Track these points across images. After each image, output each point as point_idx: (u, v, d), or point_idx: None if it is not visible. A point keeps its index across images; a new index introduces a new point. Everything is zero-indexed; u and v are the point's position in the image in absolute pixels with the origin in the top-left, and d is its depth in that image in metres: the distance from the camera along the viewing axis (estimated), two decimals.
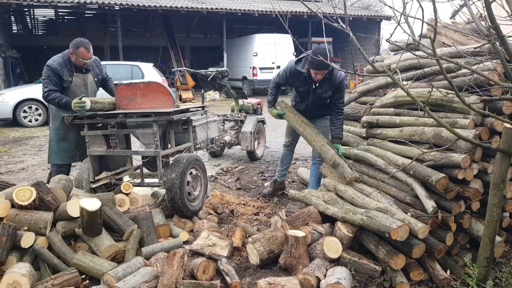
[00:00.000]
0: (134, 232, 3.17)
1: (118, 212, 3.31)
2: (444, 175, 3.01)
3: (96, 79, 4.23)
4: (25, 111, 10.66)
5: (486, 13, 2.37)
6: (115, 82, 4.15)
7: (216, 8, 17.14)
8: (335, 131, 4.11)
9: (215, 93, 17.16)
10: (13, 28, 20.77)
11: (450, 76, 2.94)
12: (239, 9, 17.53)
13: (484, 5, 2.35)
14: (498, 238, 3.00)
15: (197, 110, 4.19)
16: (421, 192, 3.09)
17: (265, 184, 5.16)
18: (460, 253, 3.16)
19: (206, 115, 4.60)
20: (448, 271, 2.97)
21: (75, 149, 4.09)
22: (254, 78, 17.57)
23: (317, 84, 3.99)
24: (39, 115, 10.78)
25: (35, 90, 10.86)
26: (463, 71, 3.43)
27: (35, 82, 12.68)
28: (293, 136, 4.62)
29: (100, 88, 4.41)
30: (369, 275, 2.84)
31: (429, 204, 2.97)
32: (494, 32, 2.46)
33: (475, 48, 3.36)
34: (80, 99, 3.66)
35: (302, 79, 4.02)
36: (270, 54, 17.59)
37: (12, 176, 5.80)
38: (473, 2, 2.79)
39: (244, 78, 18.23)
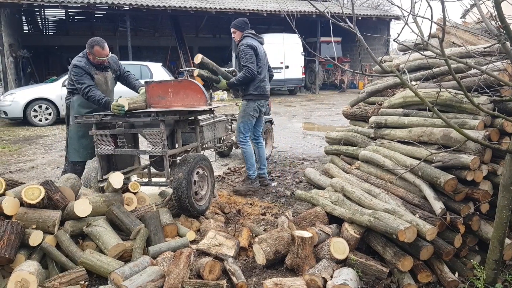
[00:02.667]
0: (141, 231, 3.18)
1: (125, 211, 3.33)
2: (453, 176, 2.98)
3: (114, 76, 4.34)
4: (35, 110, 10.77)
5: (496, 13, 2.34)
6: (145, 80, 4.16)
7: (225, 8, 17.15)
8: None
9: (223, 92, 17.18)
10: (24, 28, 21.00)
11: (459, 77, 2.91)
12: (248, 9, 17.52)
13: (494, 4, 2.32)
14: (507, 241, 2.97)
15: (215, 108, 4.18)
16: (429, 193, 3.07)
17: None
18: (468, 255, 3.13)
19: (214, 115, 4.61)
20: (456, 273, 2.95)
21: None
22: None
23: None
24: (49, 114, 10.88)
25: (45, 90, 10.97)
26: (473, 71, 3.40)
27: (46, 81, 12.81)
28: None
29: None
30: (376, 277, 2.83)
31: (438, 206, 2.94)
32: (504, 32, 2.43)
33: (484, 48, 3.32)
34: (117, 101, 3.71)
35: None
36: (278, 54, 17.55)
37: (22, 175, 5.87)
38: (483, 2, 2.75)
39: None
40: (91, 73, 4.06)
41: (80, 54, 4.14)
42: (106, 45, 4.09)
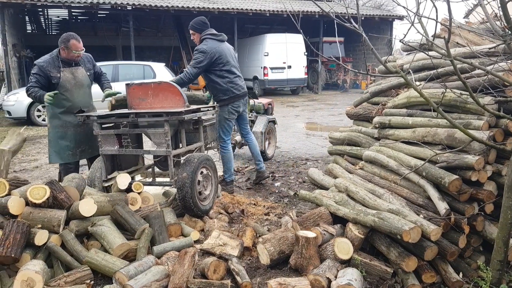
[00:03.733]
0: (145, 230, 3.19)
1: (130, 211, 3.34)
2: (457, 176, 2.98)
3: (88, 73, 4.30)
4: (39, 110, 10.81)
5: (501, 13, 2.34)
6: (126, 82, 4.19)
7: (228, 8, 17.17)
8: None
9: None
10: (27, 28, 21.09)
11: (464, 77, 2.90)
12: (251, 9, 17.54)
13: (499, 4, 2.32)
14: None
15: (208, 110, 4.21)
16: (433, 193, 3.06)
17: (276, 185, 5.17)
18: (473, 255, 3.12)
19: (217, 115, 4.61)
20: (461, 274, 2.94)
21: (75, 146, 4.16)
22: (265, 78, 17.57)
23: None
24: None
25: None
26: (477, 71, 3.39)
27: None
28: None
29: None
30: (380, 277, 2.83)
31: (442, 206, 2.94)
32: (509, 32, 2.43)
33: (489, 48, 3.32)
34: (52, 96, 3.85)
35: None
36: (281, 54, 17.56)
37: (26, 174, 5.89)
38: (488, 2, 2.75)
39: (255, 78, 18.23)
40: (51, 73, 4.01)
41: (48, 53, 4.13)
42: (81, 40, 4.13)
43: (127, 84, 4.08)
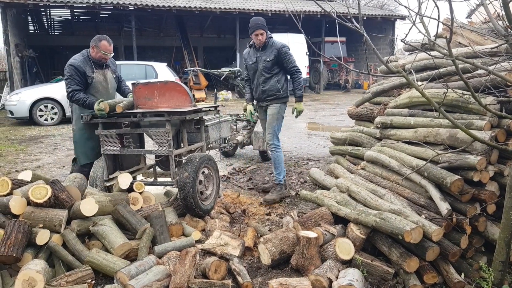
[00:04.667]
0: (147, 230, 3.19)
1: (131, 210, 3.35)
2: (459, 177, 2.97)
3: (114, 76, 4.37)
4: (41, 110, 10.83)
5: (503, 13, 2.33)
6: (133, 82, 4.19)
7: (230, 8, 17.17)
8: (294, 91, 4.57)
9: (228, 93, 17.20)
10: (30, 28, 21.14)
11: (466, 77, 2.90)
12: (253, 9, 17.53)
13: (501, 4, 2.31)
14: None
15: (209, 110, 4.21)
16: (435, 194, 3.06)
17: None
18: (475, 256, 3.12)
19: (219, 115, 4.62)
20: (463, 275, 2.93)
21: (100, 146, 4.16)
22: None
23: (261, 49, 4.49)
24: (55, 114, 10.94)
25: (51, 89, 11.04)
26: (479, 71, 3.38)
27: (51, 81, 12.88)
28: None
29: None
30: (381, 277, 2.82)
31: (444, 206, 2.93)
32: (511, 32, 2.42)
33: (491, 48, 3.31)
34: (99, 104, 3.74)
35: (251, 53, 4.63)
36: None
37: None
38: (490, 2, 2.75)
39: None
40: (86, 72, 4.05)
41: (79, 53, 4.16)
42: (112, 43, 4.17)
43: (133, 84, 4.07)
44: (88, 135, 4.11)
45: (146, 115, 3.72)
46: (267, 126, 4.66)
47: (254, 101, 4.86)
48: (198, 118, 3.99)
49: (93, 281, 2.77)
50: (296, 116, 4.65)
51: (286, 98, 4.65)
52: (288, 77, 4.66)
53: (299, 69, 4.58)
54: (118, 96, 4.47)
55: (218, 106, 4.42)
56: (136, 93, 4.00)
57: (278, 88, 4.57)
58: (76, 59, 4.07)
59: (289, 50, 4.53)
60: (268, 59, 4.46)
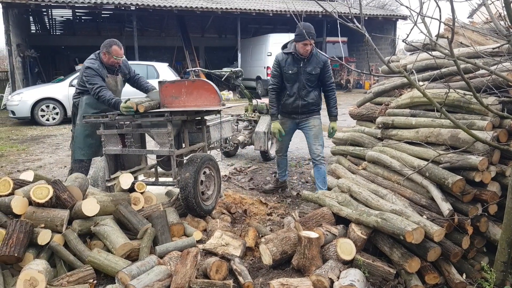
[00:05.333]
0: (148, 230, 3.19)
1: (132, 210, 3.35)
2: (461, 177, 2.97)
3: (123, 79, 4.41)
4: (42, 110, 10.85)
5: (505, 13, 2.32)
6: (159, 80, 4.16)
7: (231, 8, 17.18)
8: (330, 110, 4.41)
9: (229, 93, 17.20)
10: (32, 28, 21.17)
11: (467, 77, 2.89)
12: (254, 9, 17.54)
13: (503, 4, 2.30)
14: None
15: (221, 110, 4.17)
16: (437, 194, 3.05)
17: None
18: (476, 257, 3.11)
19: (220, 115, 4.61)
20: (464, 275, 2.93)
21: (100, 145, 4.18)
22: (268, 78, 17.52)
23: (305, 60, 4.15)
24: (57, 114, 10.96)
25: (52, 89, 11.05)
26: (481, 71, 3.38)
27: (53, 81, 12.89)
28: (283, 144, 4.79)
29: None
30: (383, 278, 2.82)
31: (445, 207, 2.93)
32: None
33: (493, 48, 3.30)
34: (126, 102, 3.72)
35: (290, 61, 4.18)
36: None
37: None
38: (492, 2, 2.74)
39: (258, 78, 18.22)
40: (103, 76, 4.13)
41: (92, 56, 4.19)
42: (122, 47, 4.21)
43: (159, 82, 4.02)
44: (89, 132, 4.15)
45: (176, 114, 3.67)
46: (315, 139, 4.43)
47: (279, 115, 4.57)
48: (199, 118, 3.99)
49: (95, 281, 2.77)
50: (331, 136, 4.46)
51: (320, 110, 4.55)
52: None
53: (335, 86, 4.41)
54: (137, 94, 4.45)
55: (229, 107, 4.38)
56: (163, 91, 3.93)
57: (319, 102, 4.47)
58: (93, 63, 4.10)
59: None
60: (313, 72, 4.21)
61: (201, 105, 3.81)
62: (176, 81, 4.03)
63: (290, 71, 4.24)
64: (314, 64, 4.21)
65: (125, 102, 3.71)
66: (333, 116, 4.37)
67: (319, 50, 3.89)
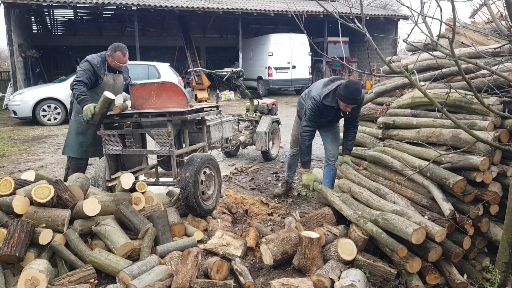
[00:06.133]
0: (149, 230, 3.20)
1: (133, 210, 3.35)
2: (462, 177, 2.96)
3: (124, 83, 4.49)
4: (44, 110, 10.86)
5: (506, 13, 2.32)
6: (131, 83, 4.24)
7: (232, 8, 17.18)
8: (347, 143, 4.13)
9: (230, 93, 17.22)
10: (33, 28, 21.22)
11: (469, 77, 2.89)
12: (255, 9, 17.54)
13: (504, 4, 2.30)
14: None
15: (211, 110, 4.21)
16: (438, 194, 3.05)
17: (278, 185, 5.16)
18: (477, 257, 3.10)
19: (221, 115, 4.62)
20: (465, 275, 2.93)
21: (91, 144, 4.25)
22: (269, 78, 17.57)
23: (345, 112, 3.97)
24: (58, 114, 10.97)
25: (54, 89, 11.06)
26: (482, 72, 3.37)
27: (54, 81, 12.91)
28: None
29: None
30: (384, 278, 2.81)
31: (446, 207, 2.93)
32: None
33: (494, 48, 3.30)
34: (89, 107, 3.75)
35: (329, 111, 3.99)
36: (285, 54, 17.54)
37: None
38: (493, 2, 2.74)
39: (259, 78, 18.23)
40: (99, 73, 4.17)
41: (98, 53, 4.27)
42: (127, 53, 4.27)
43: (130, 85, 4.12)
44: (82, 130, 4.19)
45: (147, 115, 3.72)
46: (333, 140, 4.37)
47: None
48: (200, 118, 4.00)
49: (96, 281, 2.77)
50: (339, 164, 4.22)
51: None
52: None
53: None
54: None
55: (219, 106, 4.42)
56: (134, 94, 4.03)
57: None
58: (94, 58, 4.20)
59: None
60: (348, 115, 4.02)
61: (170, 106, 3.88)
62: (146, 84, 4.11)
63: (329, 118, 4.13)
64: (353, 111, 4.00)
65: (88, 106, 3.74)
66: (347, 150, 4.16)
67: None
